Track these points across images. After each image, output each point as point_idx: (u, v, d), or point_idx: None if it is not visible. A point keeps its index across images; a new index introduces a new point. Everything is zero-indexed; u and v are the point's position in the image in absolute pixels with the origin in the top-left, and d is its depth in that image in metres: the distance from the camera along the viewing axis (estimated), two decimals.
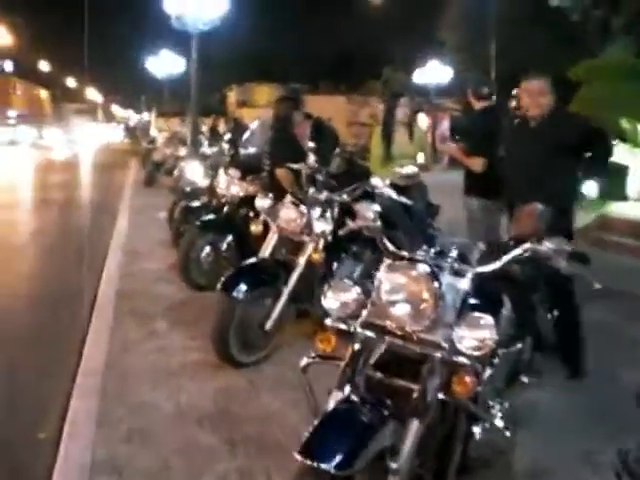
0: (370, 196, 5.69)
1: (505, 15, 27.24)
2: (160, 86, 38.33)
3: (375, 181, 5.30)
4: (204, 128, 19.01)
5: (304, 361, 2.98)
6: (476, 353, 2.52)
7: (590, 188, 12.68)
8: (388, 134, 6.33)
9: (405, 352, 2.68)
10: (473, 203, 6.10)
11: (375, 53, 43.23)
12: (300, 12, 46.56)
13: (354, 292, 2.79)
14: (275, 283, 4.97)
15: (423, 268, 2.62)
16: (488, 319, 2.52)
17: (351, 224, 3.15)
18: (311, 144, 5.88)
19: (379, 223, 2.94)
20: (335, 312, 2.80)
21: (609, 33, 21.25)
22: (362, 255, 5.57)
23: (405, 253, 2.83)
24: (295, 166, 5.91)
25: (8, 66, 63.28)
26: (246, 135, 8.49)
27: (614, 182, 12.81)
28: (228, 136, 8.11)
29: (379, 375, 2.72)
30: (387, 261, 2.76)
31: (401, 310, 2.62)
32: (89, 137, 46.21)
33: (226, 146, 8.01)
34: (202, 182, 8.86)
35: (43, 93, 76.22)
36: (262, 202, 5.35)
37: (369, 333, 2.71)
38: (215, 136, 16.34)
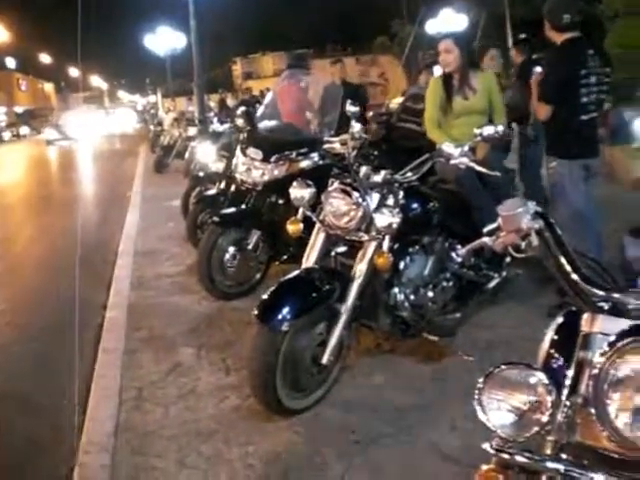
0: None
1: None
2: (163, 66, 36.90)
3: (448, 149, 3.97)
4: (212, 104, 17.71)
5: None
6: None
7: None
8: (450, 83, 4.98)
9: None
10: (554, 165, 4.83)
11: (378, 8, 41.49)
12: None
13: (540, 388, 1.47)
14: (328, 301, 3.65)
15: None
16: None
17: (497, 241, 1.81)
18: (352, 107, 4.51)
19: (555, 237, 1.62)
20: (504, 431, 1.50)
21: None
22: (433, 246, 4.29)
23: None
24: (336, 139, 4.55)
25: (10, 63, 62.27)
26: (262, 107, 7.16)
27: None
28: (242, 109, 6.89)
29: None
30: (597, 320, 1.46)
31: None
32: (97, 125, 44.90)
33: (240, 121, 6.73)
34: (216, 165, 7.57)
35: (47, 86, 75.30)
36: (299, 192, 4.00)
37: (573, 468, 1.41)
38: (225, 112, 15.04)
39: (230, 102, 17.81)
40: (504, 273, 4.84)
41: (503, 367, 1.54)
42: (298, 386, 3.70)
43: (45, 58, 68.04)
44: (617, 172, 10.15)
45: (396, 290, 4.02)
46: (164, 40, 28.57)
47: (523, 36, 7.46)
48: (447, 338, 4.35)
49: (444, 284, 4.36)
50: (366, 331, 4.37)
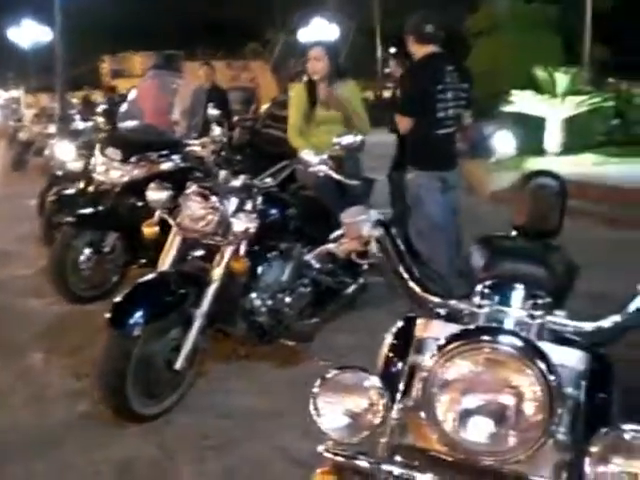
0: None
1: None
2: (27, 60, 35.50)
3: (307, 156, 4.02)
4: (75, 101, 17.17)
5: None
6: None
7: (506, 143, 11.91)
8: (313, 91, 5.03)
9: None
10: (411, 176, 4.96)
11: (252, 15, 41.54)
12: None
13: (373, 391, 1.50)
14: (183, 305, 3.61)
15: (513, 345, 1.35)
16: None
17: (340, 247, 1.84)
18: (214, 111, 4.49)
19: (394, 245, 1.67)
20: (337, 434, 1.52)
21: None
22: (291, 252, 4.32)
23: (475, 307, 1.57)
24: (197, 142, 4.51)
25: None
26: (124, 106, 7.00)
27: (530, 136, 12.12)
28: (103, 108, 6.68)
29: None
30: (429, 326, 1.50)
31: (478, 430, 1.36)
32: None
33: (101, 120, 6.54)
34: (75, 164, 7.35)
35: None
36: (156, 194, 3.94)
37: (403, 470, 1.45)
38: (89, 110, 14.60)
39: (98, 99, 17.31)
40: (361, 279, 4.94)
41: (337, 371, 1.56)
42: (150, 392, 3.63)
43: None
44: (474, 185, 10.58)
45: (253, 295, 4.02)
46: (28, 33, 27.55)
47: (393, 50, 7.63)
48: (304, 343, 4.38)
49: (301, 290, 4.39)
50: (222, 336, 4.35)
